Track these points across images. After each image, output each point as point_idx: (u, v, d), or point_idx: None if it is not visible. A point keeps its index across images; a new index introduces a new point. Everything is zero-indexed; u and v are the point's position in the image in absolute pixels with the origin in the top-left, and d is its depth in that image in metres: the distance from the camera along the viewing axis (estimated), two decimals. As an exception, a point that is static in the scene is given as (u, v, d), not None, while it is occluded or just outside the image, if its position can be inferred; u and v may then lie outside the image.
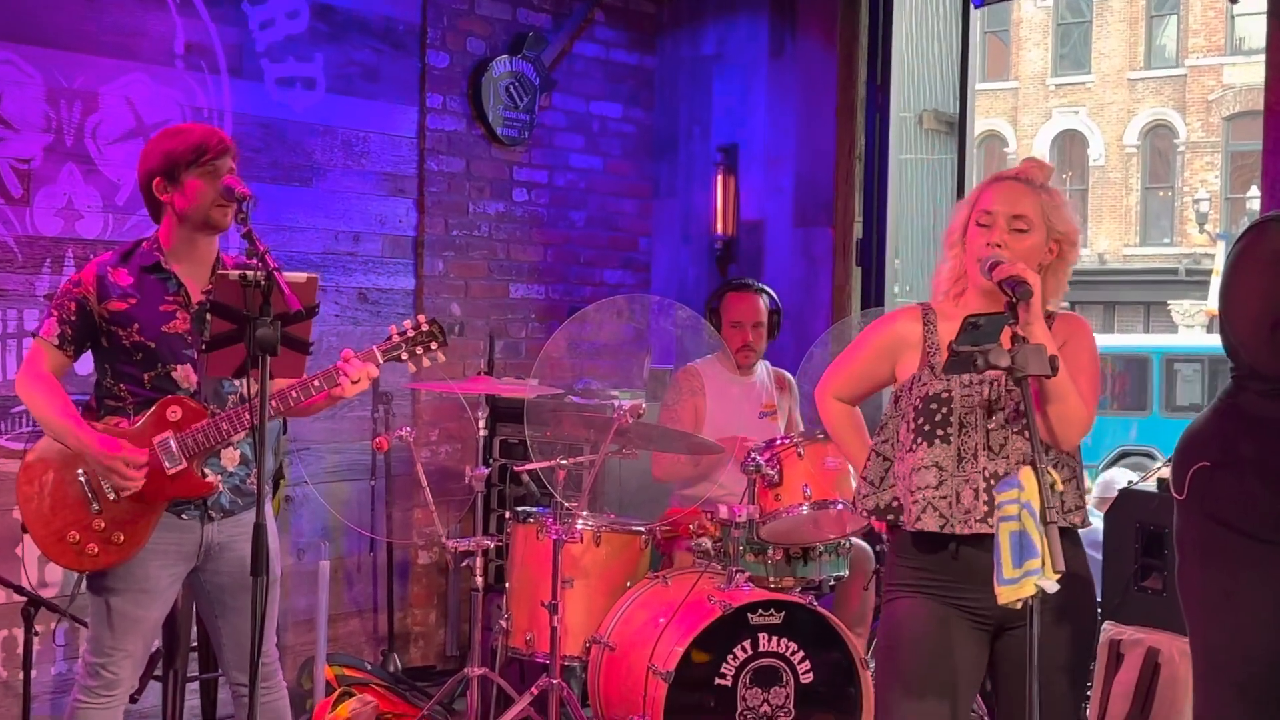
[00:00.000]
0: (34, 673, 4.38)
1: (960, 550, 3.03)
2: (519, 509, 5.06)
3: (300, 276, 3.14)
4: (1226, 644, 3.21)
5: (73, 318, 3.53)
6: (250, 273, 2.99)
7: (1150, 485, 5.19)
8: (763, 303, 5.35)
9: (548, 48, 6.49)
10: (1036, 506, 2.70)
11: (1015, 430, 3.02)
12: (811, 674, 4.35)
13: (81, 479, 3.49)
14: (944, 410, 3.04)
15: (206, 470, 3.56)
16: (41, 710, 4.86)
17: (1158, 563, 5.14)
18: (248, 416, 3.45)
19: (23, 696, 4.39)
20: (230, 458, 3.63)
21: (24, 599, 4.34)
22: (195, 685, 5.08)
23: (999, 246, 3.01)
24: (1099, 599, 5.53)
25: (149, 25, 5.18)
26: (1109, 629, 5.29)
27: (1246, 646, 3.16)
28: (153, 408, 3.51)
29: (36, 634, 4.38)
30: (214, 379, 3.56)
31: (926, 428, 3.05)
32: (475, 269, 6.35)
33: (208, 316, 3.32)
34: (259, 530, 2.95)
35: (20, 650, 4.43)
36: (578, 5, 6.65)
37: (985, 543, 2.93)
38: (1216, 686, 3.24)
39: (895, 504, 3.13)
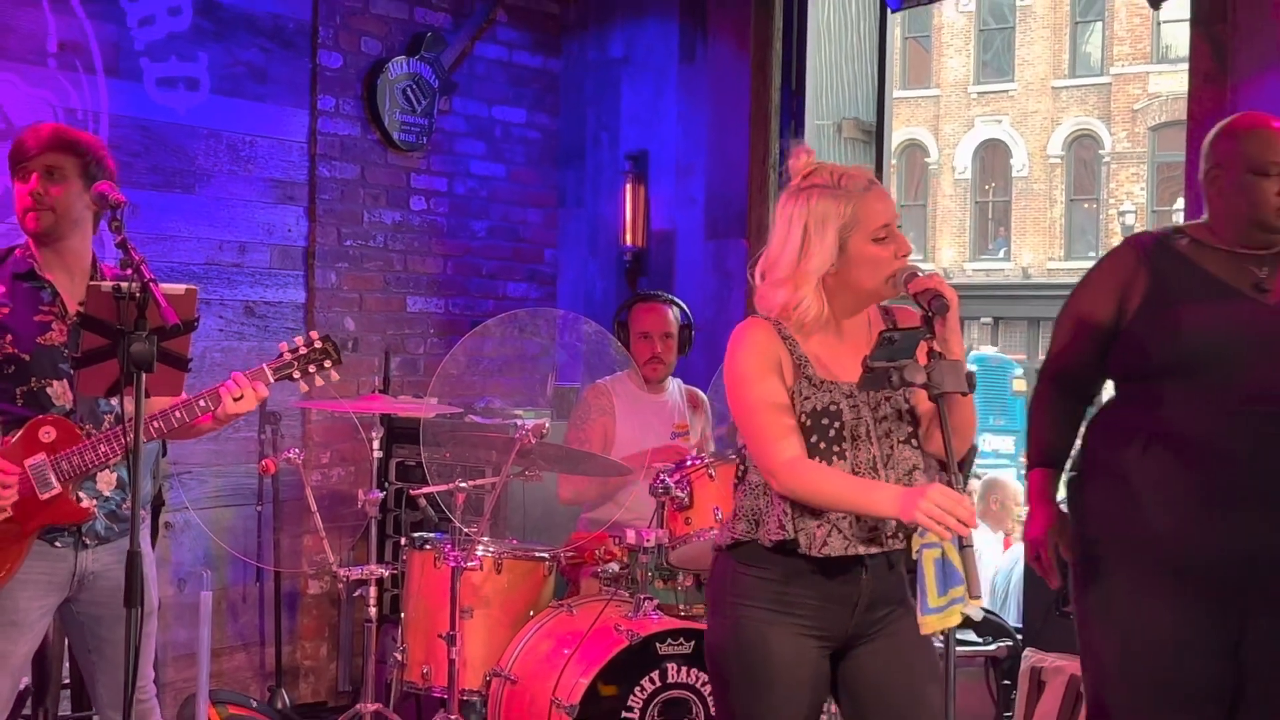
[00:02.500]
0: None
1: (832, 570, 3.01)
2: (415, 535, 5.02)
3: (179, 288, 3.10)
4: (1092, 653, 3.33)
5: None
6: (124, 284, 2.95)
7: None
8: (672, 314, 5.37)
9: (447, 49, 6.48)
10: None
11: (900, 439, 3.04)
12: (723, 706, 4.36)
13: None
14: (836, 424, 3.01)
15: (81, 494, 3.50)
16: (-100, 754, 4.75)
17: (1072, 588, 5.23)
18: (132, 436, 3.39)
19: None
20: (106, 481, 3.57)
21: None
22: (67, 725, 5.01)
23: (907, 258, 3.03)
24: (1020, 624, 5.62)
25: (18, 21, 5.10)
26: (1030, 656, 5.35)
27: (1106, 655, 3.29)
28: (23, 428, 3.44)
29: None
30: (90, 397, 3.50)
31: (821, 445, 3.00)
32: (370, 281, 6.31)
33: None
34: (133, 558, 2.90)
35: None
36: (479, 5, 6.65)
37: (853, 564, 2.98)
38: (1089, 693, 3.37)
39: (784, 531, 3.02)
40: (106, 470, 3.54)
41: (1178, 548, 3.17)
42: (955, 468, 2.82)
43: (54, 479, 3.42)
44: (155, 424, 3.48)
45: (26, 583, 3.47)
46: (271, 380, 3.61)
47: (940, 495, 2.73)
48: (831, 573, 3.01)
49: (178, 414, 3.48)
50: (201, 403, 3.50)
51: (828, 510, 2.96)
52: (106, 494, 3.57)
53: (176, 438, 3.69)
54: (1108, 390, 3.54)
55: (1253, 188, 3.20)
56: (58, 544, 3.51)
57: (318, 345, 3.69)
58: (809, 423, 3.00)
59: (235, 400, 3.50)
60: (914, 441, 3.07)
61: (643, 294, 5.52)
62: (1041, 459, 3.47)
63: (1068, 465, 3.54)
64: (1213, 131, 3.35)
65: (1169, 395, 3.22)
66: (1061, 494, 3.54)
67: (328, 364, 3.70)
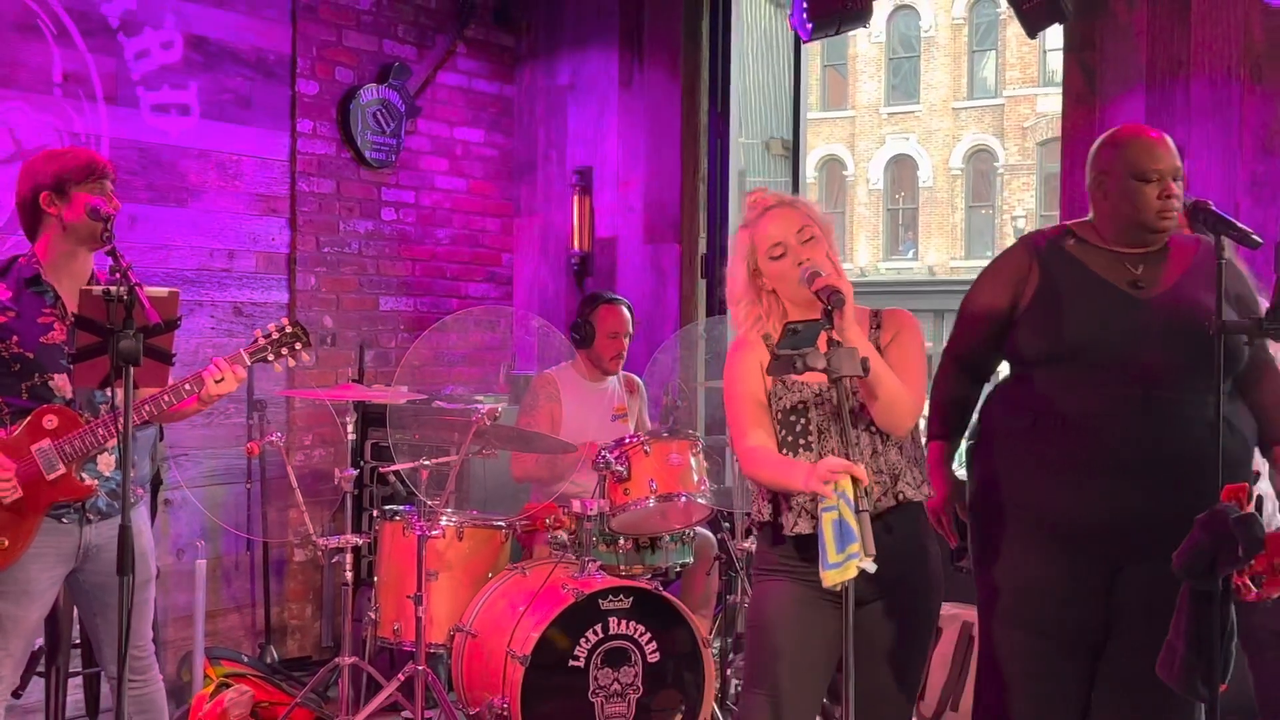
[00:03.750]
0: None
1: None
2: (386, 507, 5.01)
3: (162, 291, 3.08)
4: (985, 600, 3.37)
5: None
6: (113, 288, 2.92)
7: (963, 473, 5.29)
8: (631, 315, 5.38)
9: (412, 77, 6.45)
10: (851, 496, 2.74)
11: (862, 427, 3.05)
12: (658, 654, 4.37)
13: None
14: (803, 420, 3.06)
15: (84, 475, 3.47)
16: (-74, 709, 4.69)
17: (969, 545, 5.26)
18: (122, 422, 3.35)
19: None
20: (106, 463, 3.54)
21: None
22: (78, 680, 4.95)
23: (809, 261, 3.04)
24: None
25: (27, 56, 5.05)
26: (929, 606, 5.39)
27: (997, 601, 3.33)
28: (28, 417, 3.41)
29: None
30: (86, 388, 3.46)
31: (789, 438, 3.06)
32: (346, 284, 6.28)
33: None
34: (124, 532, 2.88)
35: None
36: (441, 37, 6.62)
37: None
38: (982, 635, 3.42)
39: (763, 514, 3.15)
40: (106, 453, 3.51)
41: (1058, 510, 3.18)
42: (853, 445, 2.86)
43: (59, 461, 3.40)
44: (146, 407, 3.44)
45: (37, 556, 3.44)
46: (248, 363, 3.59)
47: (831, 463, 2.79)
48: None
49: (166, 397, 3.46)
50: (186, 386, 3.47)
51: (786, 493, 3.04)
52: (107, 474, 3.54)
53: (167, 420, 3.64)
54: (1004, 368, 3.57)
55: (1136, 193, 3.18)
56: (64, 520, 3.47)
57: (288, 330, 3.67)
58: (781, 418, 3.08)
59: (217, 382, 3.48)
60: (873, 428, 3.07)
61: (607, 297, 5.43)
62: (940, 432, 3.47)
63: (967, 434, 3.54)
64: (1097, 142, 3.33)
65: (1054, 378, 3.22)
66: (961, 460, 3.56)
67: (298, 346, 3.67)
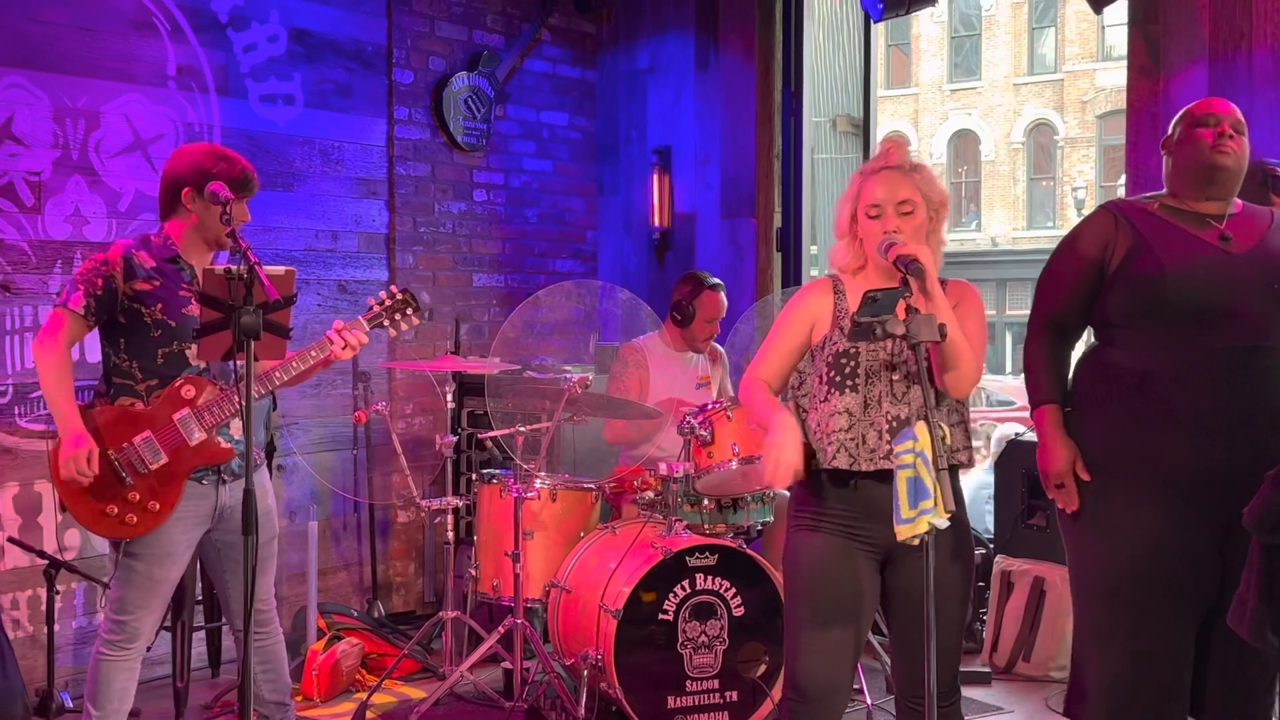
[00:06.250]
0: (56, 627, 4.36)
1: (859, 484, 3.03)
2: (484, 471, 5.05)
3: (279, 270, 3.11)
4: (1091, 562, 3.26)
5: (99, 293, 3.46)
6: (234, 267, 2.96)
7: (1034, 435, 5.23)
8: (725, 298, 5.37)
9: (501, 64, 6.46)
10: (930, 456, 2.71)
11: (915, 382, 3.01)
12: (743, 608, 4.37)
13: (111, 456, 3.44)
14: (852, 364, 3.04)
15: (220, 439, 3.54)
16: (64, 661, 4.82)
17: (1041, 503, 5.21)
18: (256, 389, 3.36)
19: (47, 648, 4.36)
20: (238, 428, 3.59)
21: (46, 562, 4.31)
22: (201, 634, 5.07)
23: (896, 231, 3.02)
24: (992, 537, 5.59)
25: (143, 51, 5.12)
26: (1001, 561, 5.35)
27: (1107, 563, 3.21)
28: (167, 388, 3.48)
29: (58, 593, 4.35)
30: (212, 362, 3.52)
31: (837, 379, 3.04)
32: (441, 261, 6.32)
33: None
34: (248, 495, 2.92)
35: (44, 607, 4.40)
36: (527, 26, 6.63)
37: (884, 479, 2.93)
38: (1086, 597, 3.30)
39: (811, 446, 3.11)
40: (237, 418, 3.56)
41: (1175, 467, 3.10)
42: (933, 407, 2.80)
43: (198, 428, 3.47)
44: (277, 374, 3.56)
45: (179, 520, 3.52)
46: (367, 329, 3.68)
47: (786, 473, 2.96)
48: (858, 486, 3.03)
49: (295, 363, 3.57)
50: (313, 353, 3.58)
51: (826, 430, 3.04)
52: (238, 438, 3.59)
53: (294, 383, 3.70)
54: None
55: (1194, 138, 3.18)
56: (204, 482, 3.55)
57: (399, 297, 3.77)
58: (831, 360, 3.07)
59: (343, 349, 3.59)
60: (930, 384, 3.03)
61: (710, 283, 5.34)
62: (1047, 397, 3.33)
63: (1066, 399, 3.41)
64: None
65: (1156, 334, 3.14)
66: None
67: (409, 311, 3.76)
